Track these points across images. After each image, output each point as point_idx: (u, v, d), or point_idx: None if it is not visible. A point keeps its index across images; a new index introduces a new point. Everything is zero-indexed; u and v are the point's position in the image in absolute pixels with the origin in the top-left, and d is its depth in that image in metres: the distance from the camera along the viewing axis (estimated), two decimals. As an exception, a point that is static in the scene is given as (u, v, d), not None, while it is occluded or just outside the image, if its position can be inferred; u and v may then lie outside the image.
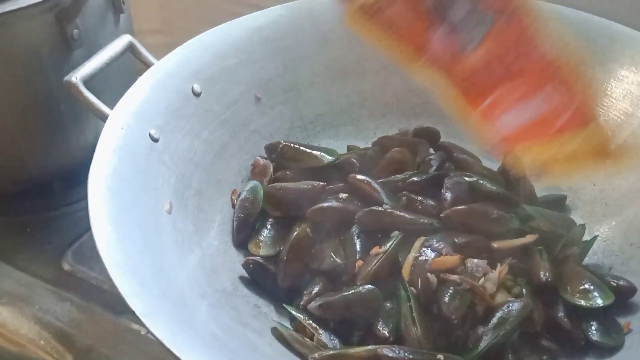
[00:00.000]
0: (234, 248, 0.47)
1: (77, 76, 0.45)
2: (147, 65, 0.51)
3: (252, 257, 0.44)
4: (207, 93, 0.51)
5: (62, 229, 0.56)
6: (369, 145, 0.56)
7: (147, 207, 0.40)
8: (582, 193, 0.52)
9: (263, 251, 0.46)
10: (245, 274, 0.44)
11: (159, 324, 0.30)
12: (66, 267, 0.53)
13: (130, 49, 0.51)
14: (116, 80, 0.53)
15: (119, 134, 0.42)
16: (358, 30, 0.31)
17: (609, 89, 0.53)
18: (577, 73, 0.30)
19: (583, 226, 0.46)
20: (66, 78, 0.45)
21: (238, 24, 0.55)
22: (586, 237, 0.48)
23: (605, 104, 0.53)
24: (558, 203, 0.51)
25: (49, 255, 0.53)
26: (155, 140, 0.45)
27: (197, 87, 0.51)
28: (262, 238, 0.47)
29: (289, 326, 0.41)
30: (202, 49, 0.52)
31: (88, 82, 0.47)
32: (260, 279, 0.44)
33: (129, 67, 0.57)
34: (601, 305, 0.39)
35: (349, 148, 0.57)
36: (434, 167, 0.51)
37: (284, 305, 0.41)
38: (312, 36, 0.57)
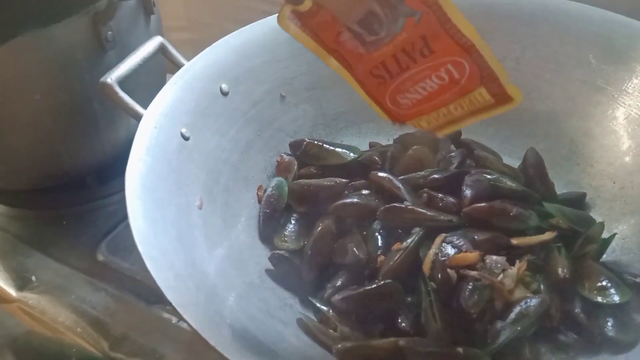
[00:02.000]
0: (260, 242, 0.49)
1: (112, 77, 0.47)
2: (177, 65, 0.53)
3: (278, 251, 0.46)
4: (234, 92, 0.53)
5: (96, 221, 0.58)
6: (391, 142, 0.58)
7: (180, 203, 0.42)
8: (602, 191, 0.52)
9: (288, 245, 0.48)
10: (272, 267, 0.46)
11: (193, 315, 0.32)
12: (100, 258, 0.55)
13: (162, 50, 0.53)
14: (147, 79, 0.55)
15: (152, 133, 0.45)
16: (286, 29, 0.34)
17: (630, 87, 0.53)
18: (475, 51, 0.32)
19: (602, 224, 0.47)
20: (102, 79, 0.47)
21: (263, 24, 0.57)
22: (605, 235, 0.49)
23: (626, 102, 0.53)
24: (578, 201, 0.52)
25: (84, 247, 0.56)
26: (186, 138, 0.47)
27: (224, 87, 0.52)
28: (287, 232, 0.49)
29: (314, 318, 0.43)
30: (228, 49, 0.54)
31: (122, 82, 0.49)
32: (285, 272, 0.46)
33: (159, 67, 0.59)
34: (618, 302, 0.40)
35: (371, 145, 0.58)
36: (455, 164, 0.52)
37: (309, 298, 0.43)
38: (335, 35, 0.59)
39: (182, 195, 0.43)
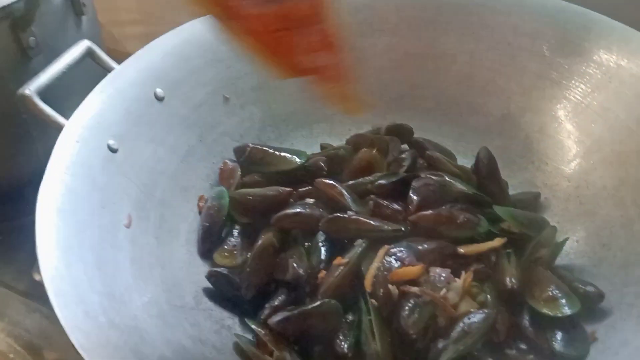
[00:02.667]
0: (199, 258, 0.46)
1: (30, 88, 0.44)
2: (108, 70, 0.49)
3: (216, 269, 0.44)
4: (171, 97, 0.50)
5: (34, 237, 0.55)
6: (343, 142, 0.55)
7: (103, 224, 0.40)
8: (556, 190, 0.50)
9: (229, 261, 0.45)
10: (210, 286, 0.44)
11: (99, 358, 0.29)
12: (37, 277, 0.52)
13: (90, 54, 0.49)
14: (82, 87, 0.51)
15: (73, 149, 0.42)
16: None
17: (585, 80, 0.51)
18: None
19: (554, 227, 0.45)
20: (20, 91, 0.44)
21: (201, 22, 0.53)
22: (561, 237, 0.47)
23: (580, 97, 0.51)
24: (532, 201, 0.50)
25: (20, 264, 0.53)
26: (114, 151, 0.44)
27: (160, 92, 0.49)
28: (228, 247, 0.46)
29: (253, 339, 0.41)
30: (164, 51, 0.51)
31: (45, 92, 0.45)
32: (224, 291, 0.44)
33: (98, 72, 0.56)
34: (566, 314, 0.39)
35: (322, 146, 0.56)
36: (406, 167, 0.50)
37: (245, 320, 0.41)
38: (281, 31, 0.56)
39: (107, 215, 0.41)
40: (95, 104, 0.45)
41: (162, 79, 0.50)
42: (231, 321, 0.42)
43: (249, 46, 0.34)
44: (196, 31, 0.53)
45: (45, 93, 0.46)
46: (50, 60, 0.48)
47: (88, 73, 0.51)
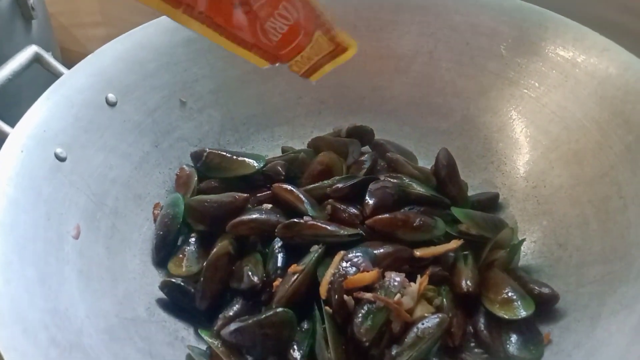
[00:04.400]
0: (154, 268, 0.45)
1: (-28, 96, 0.42)
2: (58, 76, 0.48)
3: (170, 279, 0.43)
4: (123, 102, 0.49)
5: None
6: (306, 145, 0.55)
7: (48, 237, 0.38)
8: (515, 190, 0.50)
9: (184, 270, 0.44)
10: (164, 296, 0.43)
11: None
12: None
13: (37, 60, 0.48)
14: (33, 93, 0.50)
15: (17, 159, 0.40)
16: None
17: (541, 80, 0.51)
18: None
19: (511, 229, 0.45)
20: (-39, 99, 0.42)
21: (155, 25, 0.52)
22: (519, 237, 0.47)
23: (537, 96, 0.51)
24: (491, 201, 0.50)
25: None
26: (62, 159, 0.43)
27: (111, 97, 0.48)
28: (183, 256, 0.45)
29: (207, 350, 0.40)
30: (116, 55, 0.50)
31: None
32: (179, 302, 0.43)
33: (50, 78, 0.54)
34: (521, 316, 0.39)
35: (284, 150, 0.55)
36: (365, 169, 0.50)
37: (199, 330, 0.40)
38: (238, 33, 0.55)
39: (53, 227, 0.39)
40: (42, 112, 0.44)
41: (114, 83, 0.49)
42: (186, 332, 0.41)
43: (208, 31, 0.33)
44: (150, 34, 0.52)
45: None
46: (-4, 66, 0.46)
47: (38, 79, 0.50)
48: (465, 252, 0.43)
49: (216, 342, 0.38)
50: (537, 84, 0.51)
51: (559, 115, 0.49)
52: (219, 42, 0.34)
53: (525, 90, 0.52)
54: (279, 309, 0.38)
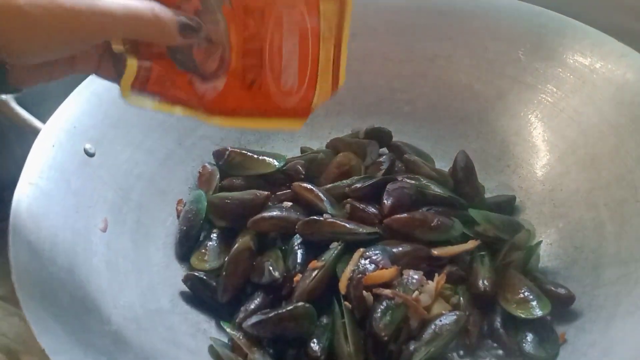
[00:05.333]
0: (176, 262, 0.46)
1: (6, 92, 0.44)
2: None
3: (193, 272, 0.44)
4: (150, 100, 0.50)
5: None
6: (324, 145, 0.56)
7: (77, 228, 0.40)
8: (531, 193, 0.51)
9: (206, 265, 0.45)
10: (187, 289, 0.44)
11: (68, 362, 0.30)
12: (16, 280, 0.52)
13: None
14: (61, 89, 0.51)
15: (49, 152, 0.42)
16: (138, 102, 0.34)
17: (559, 85, 0.52)
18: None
19: (528, 231, 0.46)
20: (-5, 94, 0.44)
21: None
22: (535, 239, 0.48)
23: (555, 100, 0.52)
24: (507, 204, 0.51)
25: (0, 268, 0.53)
26: (91, 155, 0.45)
27: (139, 95, 0.49)
28: (205, 250, 0.46)
29: (228, 342, 0.41)
30: (143, 55, 0.51)
31: (22, 96, 0.45)
32: (201, 294, 0.44)
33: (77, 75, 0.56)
34: (537, 316, 0.39)
35: (303, 150, 0.56)
36: (383, 170, 0.51)
37: (221, 322, 0.41)
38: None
39: (82, 219, 0.41)
40: (73, 108, 0.45)
41: (141, 82, 0.50)
42: (207, 324, 0.42)
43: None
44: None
45: (22, 97, 0.45)
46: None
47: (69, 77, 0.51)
48: (482, 253, 0.44)
49: (238, 334, 0.39)
50: (554, 89, 0.52)
51: (576, 120, 0.50)
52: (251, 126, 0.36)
53: (543, 95, 0.53)
54: (300, 304, 0.39)
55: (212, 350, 0.40)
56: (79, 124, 0.45)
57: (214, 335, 0.42)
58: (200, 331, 0.41)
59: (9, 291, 0.52)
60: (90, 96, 0.47)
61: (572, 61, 0.51)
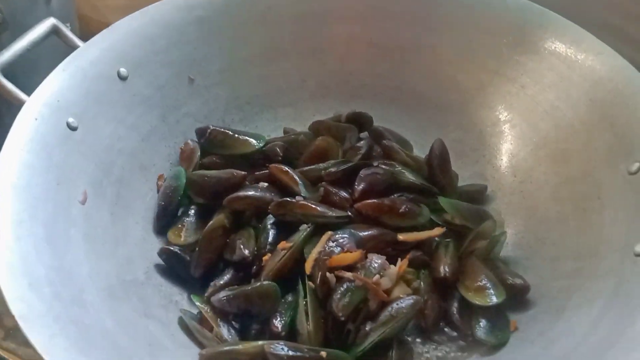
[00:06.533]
0: (154, 235, 0.48)
1: (-7, 64, 0.45)
2: (74, 48, 0.50)
3: (169, 246, 0.46)
4: (134, 76, 0.51)
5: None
6: (306, 128, 0.57)
7: (58, 200, 0.41)
8: (503, 184, 0.52)
9: (181, 240, 0.47)
10: (162, 262, 0.46)
11: (37, 327, 0.31)
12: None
13: (55, 32, 0.50)
14: (50, 63, 0.52)
15: (32, 125, 0.43)
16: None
17: (538, 79, 0.52)
18: None
19: (494, 221, 0.47)
20: (-18, 67, 0.45)
21: (169, 4, 0.54)
22: (502, 229, 0.49)
23: (533, 94, 0.53)
24: (479, 193, 0.52)
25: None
26: (74, 129, 0.46)
27: (123, 71, 0.51)
28: (182, 226, 0.48)
29: (198, 315, 0.43)
30: (130, 31, 0.52)
31: (8, 69, 0.46)
32: (175, 268, 0.46)
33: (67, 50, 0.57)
34: (491, 303, 0.41)
35: (285, 131, 0.57)
36: (361, 155, 0.52)
37: (191, 296, 0.43)
38: (248, 15, 0.57)
39: (63, 191, 0.42)
40: (57, 82, 0.46)
41: (126, 58, 0.51)
42: (179, 297, 0.44)
43: None
44: (164, 12, 0.54)
45: (9, 70, 0.47)
46: (17, 36, 0.49)
47: (57, 50, 0.52)
48: (447, 240, 0.46)
49: (206, 308, 0.41)
50: (533, 83, 0.53)
51: (550, 114, 0.51)
52: None
53: (522, 88, 0.53)
54: (265, 282, 0.41)
55: (181, 321, 0.42)
56: (63, 98, 0.46)
57: (186, 307, 0.44)
58: (172, 303, 0.43)
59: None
60: (75, 71, 0.48)
61: (551, 55, 0.52)
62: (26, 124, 0.43)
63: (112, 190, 0.47)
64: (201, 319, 0.42)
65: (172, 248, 0.46)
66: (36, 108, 0.44)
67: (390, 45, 0.58)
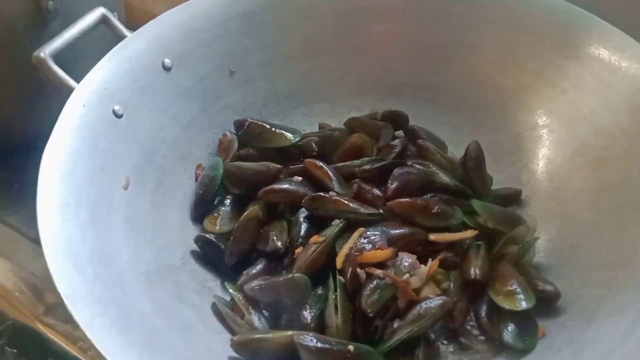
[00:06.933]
0: (191, 223, 0.49)
1: (45, 52, 0.47)
2: (121, 38, 0.52)
3: (204, 234, 0.47)
4: (178, 67, 0.53)
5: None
6: (341, 124, 0.57)
7: (102, 185, 0.43)
8: (538, 189, 0.52)
9: (217, 228, 0.48)
10: (197, 249, 0.47)
11: (80, 306, 0.33)
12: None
13: (104, 21, 0.52)
14: (97, 51, 0.54)
15: (80, 112, 0.45)
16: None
17: (580, 85, 0.52)
18: None
19: (527, 226, 0.47)
20: (35, 53, 0.47)
21: (212, -3, 0.55)
22: (535, 234, 0.49)
23: (573, 100, 0.52)
24: (513, 197, 0.52)
25: (32, 212, 0.57)
26: (119, 116, 0.47)
27: (167, 62, 0.52)
28: (218, 214, 0.49)
29: (230, 302, 0.44)
30: (174, 23, 0.53)
31: (59, 55, 0.48)
32: (210, 255, 0.47)
33: (113, 39, 0.59)
34: (520, 308, 0.41)
35: (321, 126, 0.58)
36: (395, 154, 0.52)
37: (225, 283, 0.44)
38: (291, 11, 0.57)
39: (106, 177, 0.44)
40: (105, 70, 0.48)
41: (171, 50, 0.52)
42: (213, 283, 0.46)
43: None
44: (207, 5, 0.55)
45: (60, 56, 0.49)
46: (67, 24, 0.51)
47: (104, 39, 0.54)
48: (478, 243, 0.46)
49: (238, 295, 0.43)
50: (574, 88, 0.52)
51: (590, 121, 0.50)
52: None
53: (562, 93, 0.53)
54: (297, 274, 0.42)
55: (214, 307, 0.43)
56: (110, 86, 0.47)
57: (218, 293, 0.45)
58: (206, 289, 0.45)
59: (39, 234, 0.56)
60: (122, 60, 0.49)
61: (594, 61, 0.51)
62: (74, 110, 0.45)
63: (153, 178, 0.49)
64: (233, 306, 0.43)
65: (207, 236, 0.47)
66: (84, 95, 0.46)
67: (430, 44, 0.58)
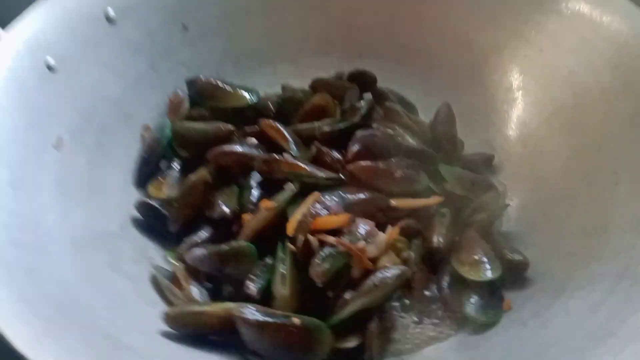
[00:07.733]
0: (133, 188, 0.46)
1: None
2: (60, -15, 0.47)
3: (146, 199, 0.43)
4: (124, 20, 0.48)
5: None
6: (306, 86, 0.53)
7: (28, 144, 0.39)
8: (511, 154, 0.49)
9: (162, 193, 0.45)
10: (139, 216, 0.43)
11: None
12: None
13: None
14: None
15: (7, 64, 0.40)
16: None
17: (559, 42, 0.48)
18: None
19: (497, 193, 0.44)
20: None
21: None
22: (506, 202, 0.46)
23: (552, 59, 0.48)
24: (484, 163, 0.49)
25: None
26: (53, 70, 0.43)
27: (112, 13, 0.48)
28: (163, 179, 0.46)
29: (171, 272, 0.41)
30: (120, -31, 0.49)
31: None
32: (152, 222, 0.43)
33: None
34: (486, 279, 0.38)
35: (284, 88, 0.54)
36: (360, 115, 0.48)
37: (165, 251, 0.41)
38: (251, -39, 0.53)
39: (35, 135, 0.40)
40: (38, 19, 0.44)
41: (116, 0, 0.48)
42: (155, 253, 0.42)
43: None
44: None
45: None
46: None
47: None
48: (444, 210, 0.43)
49: (178, 264, 0.39)
50: (552, 46, 0.48)
51: (569, 81, 0.47)
52: None
53: (540, 52, 0.49)
54: (242, 242, 0.38)
55: (153, 278, 0.40)
56: (44, 37, 0.43)
57: (159, 263, 0.41)
58: (146, 258, 0.41)
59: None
60: (58, 9, 0.45)
61: (575, 16, 0.47)
62: (1, 62, 0.40)
63: (92, 139, 0.44)
64: (174, 277, 0.39)
65: (150, 201, 0.43)
66: (14, 45, 0.41)
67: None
